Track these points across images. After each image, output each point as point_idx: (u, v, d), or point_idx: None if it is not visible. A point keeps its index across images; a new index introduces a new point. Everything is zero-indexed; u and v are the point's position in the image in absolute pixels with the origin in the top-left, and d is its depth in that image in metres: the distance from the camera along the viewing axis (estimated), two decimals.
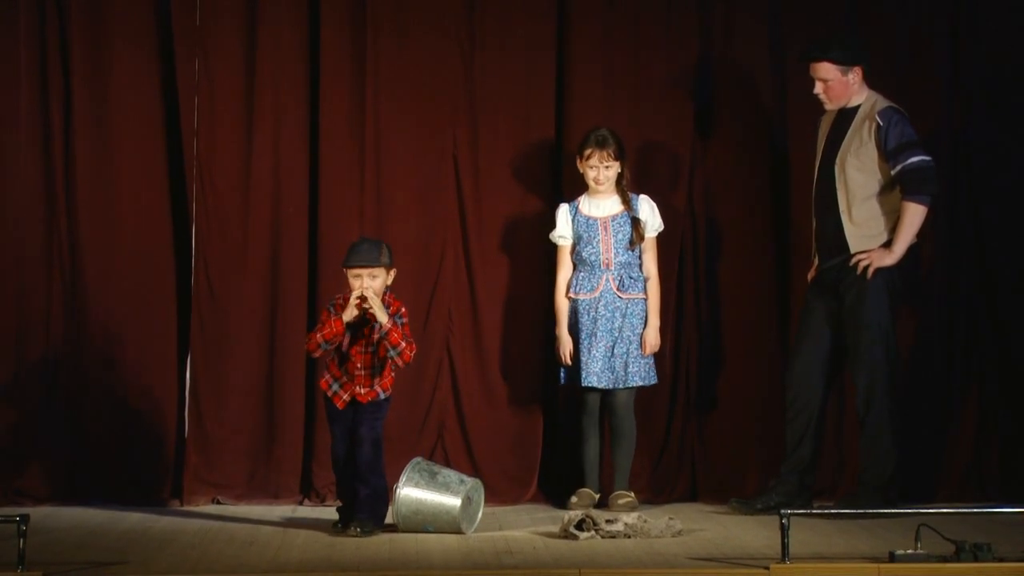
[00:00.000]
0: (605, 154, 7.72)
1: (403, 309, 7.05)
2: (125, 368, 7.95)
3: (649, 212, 7.80)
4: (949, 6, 8.20)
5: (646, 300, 7.78)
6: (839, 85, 7.50)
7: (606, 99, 8.16)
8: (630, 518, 6.86)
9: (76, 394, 7.97)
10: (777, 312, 8.17)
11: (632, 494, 7.72)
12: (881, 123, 7.39)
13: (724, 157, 8.24)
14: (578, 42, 8.20)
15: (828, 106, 7.58)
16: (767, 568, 6.05)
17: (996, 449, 8.11)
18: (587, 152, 7.75)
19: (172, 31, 8.04)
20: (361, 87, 8.10)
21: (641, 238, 7.78)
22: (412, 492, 7.02)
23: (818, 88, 7.53)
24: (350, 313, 6.94)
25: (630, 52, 8.20)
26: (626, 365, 7.70)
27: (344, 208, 8.07)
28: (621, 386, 7.70)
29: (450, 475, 7.13)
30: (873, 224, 7.43)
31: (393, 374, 7.07)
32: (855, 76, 7.50)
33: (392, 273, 7.05)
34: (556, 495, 7.93)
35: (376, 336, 6.96)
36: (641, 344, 7.74)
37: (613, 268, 7.75)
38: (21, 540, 5.97)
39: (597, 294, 7.74)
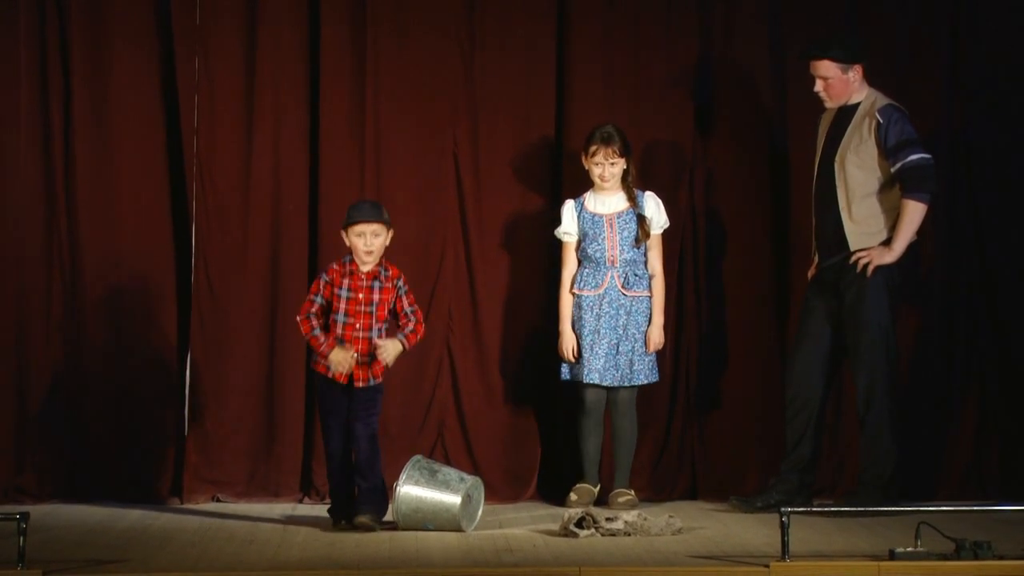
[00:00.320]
0: (610, 151, 7.71)
1: (403, 277, 7.10)
2: (125, 367, 7.95)
3: (655, 209, 7.79)
4: (949, 6, 8.20)
5: (651, 298, 7.78)
6: (839, 83, 7.50)
7: (606, 99, 8.16)
8: (630, 516, 6.86)
9: (76, 394, 7.97)
10: (777, 311, 8.17)
11: (632, 492, 7.71)
12: (881, 121, 7.39)
13: (724, 156, 8.24)
14: (578, 42, 8.20)
15: (828, 104, 7.58)
16: (767, 566, 6.05)
17: (996, 448, 8.11)
18: (592, 149, 7.74)
19: (172, 31, 8.04)
20: (361, 87, 8.10)
21: (647, 235, 7.76)
22: (412, 490, 7.02)
23: (818, 86, 7.53)
24: (337, 372, 7.03)
25: (630, 52, 8.20)
26: (631, 363, 7.69)
27: (344, 207, 8.02)
28: (626, 384, 7.69)
29: (450, 473, 7.13)
30: (873, 222, 7.43)
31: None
32: (855, 74, 7.50)
33: (391, 234, 7.10)
34: (556, 493, 7.92)
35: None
36: (645, 342, 7.74)
37: (618, 265, 7.73)
38: (21, 538, 5.98)
39: (602, 291, 7.73)
